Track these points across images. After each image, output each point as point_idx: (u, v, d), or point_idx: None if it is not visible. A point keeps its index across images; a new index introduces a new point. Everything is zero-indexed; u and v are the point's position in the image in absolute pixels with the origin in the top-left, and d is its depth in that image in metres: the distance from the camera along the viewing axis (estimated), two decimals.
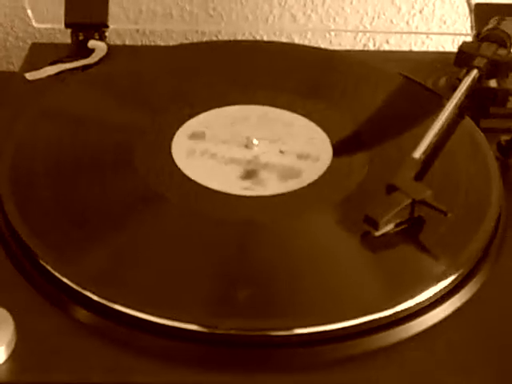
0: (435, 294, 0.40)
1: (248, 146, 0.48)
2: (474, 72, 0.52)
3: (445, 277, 0.41)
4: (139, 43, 0.76)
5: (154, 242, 0.42)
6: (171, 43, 0.75)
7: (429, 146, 0.47)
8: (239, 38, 0.74)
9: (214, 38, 0.74)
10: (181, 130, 0.50)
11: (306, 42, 0.75)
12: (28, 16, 0.63)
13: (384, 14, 0.74)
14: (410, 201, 0.42)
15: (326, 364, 0.37)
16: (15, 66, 0.77)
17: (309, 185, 0.45)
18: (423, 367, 0.38)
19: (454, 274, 0.41)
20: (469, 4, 0.62)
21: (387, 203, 0.42)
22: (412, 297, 0.39)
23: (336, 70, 0.56)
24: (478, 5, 0.61)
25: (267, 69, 0.56)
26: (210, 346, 0.37)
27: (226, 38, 0.74)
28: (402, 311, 0.39)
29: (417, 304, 0.39)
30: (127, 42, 0.75)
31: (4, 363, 0.36)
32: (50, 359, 0.36)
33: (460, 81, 0.52)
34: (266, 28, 0.74)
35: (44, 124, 0.50)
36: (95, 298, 0.38)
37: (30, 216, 0.43)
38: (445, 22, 0.75)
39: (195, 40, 0.74)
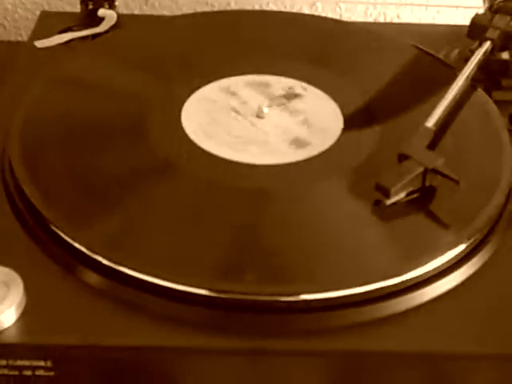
0: (445, 262, 0.40)
1: (258, 114, 0.48)
2: (487, 44, 0.52)
3: (455, 246, 0.40)
4: (147, 13, 0.75)
5: (164, 208, 0.42)
6: (178, 13, 0.74)
7: (441, 117, 0.46)
8: (249, 9, 0.74)
9: (221, 8, 0.74)
10: (191, 98, 0.49)
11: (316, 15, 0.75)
12: None
13: None
14: (422, 169, 0.42)
15: (335, 330, 0.37)
16: (24, 37, 0.76)
17: (320, 154, 0.45)
18: (433, 335, 0.38)
19: (464, 243, 0.41)
20: None
21: (399, 171, 0.42)
22: (422, 265, 0.39)
23: (349, 41, 0.55)
24: None
25: (277, 39, 0.55)
26: (217, 309, 0.37)
27: (234, 6, 0.73)
28: (412, 279, 0.39)
29: (426, 272, 0.39)
30: (135, 12, 0.75)
31: (14, 324, 0.36)
32: (60, 321, 0.37)
33: (472, 52, 0.52)
34: (275, 0, 0.73)
35: (54, 91, 0.49)
36: (105, 261, 0.38)
37: (40, 181, 0.43)
38: None
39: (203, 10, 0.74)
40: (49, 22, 0.59)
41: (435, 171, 0.42)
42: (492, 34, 0.52)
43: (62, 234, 0.40)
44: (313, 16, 0.64)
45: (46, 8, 0.74)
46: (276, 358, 0.37)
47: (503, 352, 0.37)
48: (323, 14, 0.74)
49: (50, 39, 0.57)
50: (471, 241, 0.41)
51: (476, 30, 0.53)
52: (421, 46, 0.55)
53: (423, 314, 0.38)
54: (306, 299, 0.38)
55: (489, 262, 0.41)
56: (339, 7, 0.74)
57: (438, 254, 0.40)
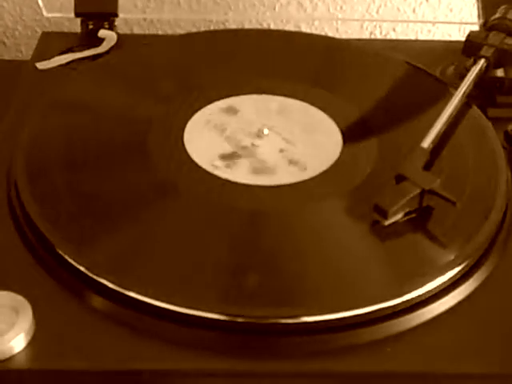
0: (443, 282, 0.41)
1: (258, 135, 0.49)
2: (482, 61, 0.53)
3: (453, 266, 0.41)
4: (146, 31, 0.76)
5: (166, 230, 0.43)
6: (178, 31, 0.75)
7: (437, 136, 0.47)
8: (246, 26, 0.75)
9: (222, 27, 0.75)
10: (193, 118, 0.50)
11: (313, 30, 0.76)
12: (37, 5, 0.63)
13: (390, 2, 0.75)
14: (419, 190, 0.43)
15: (334, 352, 0.38)
16: (24, 54, 0.77)
17: (319, 174, 0.46)
18: (432, 355, 0.38)
19: (462, 263, 0.42)
20: None
21: (396, 193, 0.43)
22: (420, 286, 0.40)
23: (344, 59, 0.56)
24: None
25: (274, 57, 0.56)
26: (219, 332, 0.38)
27: (233, 26, 0.74)
28: (410, 300, 0.40)
29: (425, 293, 0.40)
30: (135, 31, 0.76)
31: (23, 350, 0.37)
32: (68, 347, 0.37)
33: (468, 70, 0.53)
34: (273, 16, 0.74)
35: (57, 114, 0.50)
36: (111, 285, 0.39)
37: (45, 205, 0.43)
38: (451, 10, 0.76)
39: (203, 28, 0.74)
40: (50, 43, 0.60)
41: (432, 192, 0.43)
42: (486, 51, 0.53)
43: (67, 258, 0.41)
44: (307, 34, 0.64)
45: (46, 25, 0.75)
46: (276, 379, 0.38)
47: (504, 372, 0.38)
48: (320, 28, 0.75)
49: (51, 60, 0.57)
50: (469, 260, 0.42)
51: (471, 47, 0.54)
52: (417, 64, 0.56)
53: (423, 334, 0.39)
54: (305, 321, 0.38)
55: (487, 281, 0.42)
56: (336, 21, 0.75)
57: (437, 274, 0.41)
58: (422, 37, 0.76)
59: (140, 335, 0.38)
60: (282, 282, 0.40)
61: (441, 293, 0.41)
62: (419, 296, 0.40)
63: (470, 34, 0.55)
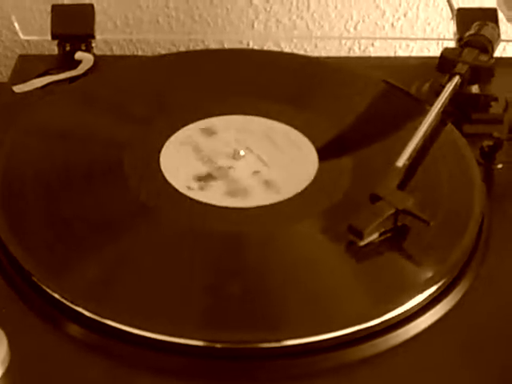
0: (421, 301, 0.41)
1: (235, 157, 0.49)
2: (456, 78, 0.53)
3: (430, 284, 0.41)
4: (126, 50, 0.76)
5: (143, 255, 0.43)
6: (158, 49, 0.75)
7: (412, 153, 0.47)
8: (225, 43, 0.75)
9: (201, 44, 0.75)
10: (170, 140, 0.50)
11: (292, 47, 0.76)
12: (15, 27, 0.64)
13: (368, 18, 0.75)
14: (393, 210, 0.43)
15: (316, 374, 0.38)
16: (3, 74, 0.77)
17: (295, 195, 0.46)
18: (412, 374, 0.38)
19: (439, 281, 0.42)
20: (451, 9, 0.62)
21: (371, 213, 0.43)
22: (399, 305, 0.40)
23: (320, 78, 0.57)
24: (460, 9, 0.62)
25: (251, 77, 0.56)
26: (200, 359, 0.38)
27: (212, 44, 0.75)
28: (389, 320, 0.40)
29: (403, 312, 0.40)
30: (114, 49, 0.76)
31: None
32: (44, 376, 0.37)
33: (443, 87, 0.53)
34: (252, 34, 0.75)
35: (32, 139, 0.50)
36: (87, 313, 0.39)
37: (20, 232, 0.43)
38: (429, 24, 0.76)
39: (182, 46, 0.75)
40: (27, 65, 0.60)
41: (406, 212, 0.43)
42: (461, 68, 0.53)
43: (42, 286, 0.41)
44: (284, 53, 0.65)
45: (25, 45, 0.75)
46: None
47: None
48: (299, 44, 0.76)
49: (28, 83, 0.57)
50: (447, 277, 0.42)
51: (445, 64, 0.54)
52: (392, 81, 0.56)
53: (403, 354, 0.39)
54: (286, 345, 0.38)
55: (466, 297, 0.42)
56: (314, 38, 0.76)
57: (416, 293, 0.41)
58: (400, 51, 0.77)
59: (118, 363, 0.38)
60: (260, 305, 0.40)
61: (419, 312, 0.41)
62: (399, 315, 0.40)
63: (444, 51, 0.55)
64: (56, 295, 0.40)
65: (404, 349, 0.39)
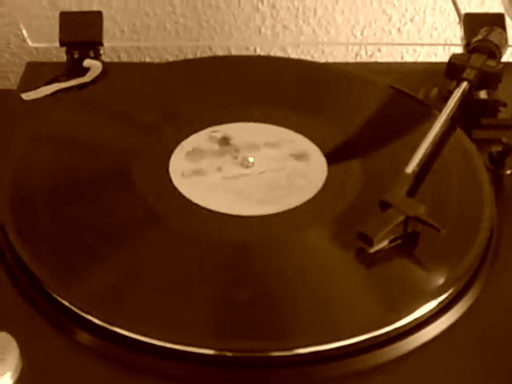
0: (432, 308, 0.41)
1: (244, 164, 0.49)
2: (464, 84, 0.53)
3: (441, 291, 0.41)
4: (133, 57, 0.77)
5: (154, 263, 0.43)
6: (165, 56, 0.76)
7: (421, 159, 0.47)
8: (232, 49, 0.75)
9: (208, 51, 0.75)
10: (179, 147, 0.50)
11: (299, 52, 0.76)
12: (23, 34, 0.64)
13: (375, 23, 0.75)
14: (403, 217, 0.43)
15: (326, 382, 0.38)
16: (11, 81, 0.78)
17: (305, 202, 0.46)
18: (422, 382, 0.38)
19: (450, 288, 0.42)
20: (458, 14, 0.62)
21: (381, 220, 0.43)
22: (409, 313, 0.40)
23: (327, 83, 0.57)
24: (467, 15, 0.62)
25: (258, 84, 0.56)
26: (210, 367, 0.38)
27: (219, 50, 0.75)
28: (399, 327, 0.40)
29: (414, 320, 0.40)
30: (121, 56, 0.76)
31: None
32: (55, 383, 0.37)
33: (451, 92, 0.53)
34: (258, 40, 0.75)
35: (41, 146, 0.50)
36: (97, 321, 0.39)
37: (30, 239, 0.43)
38: (436, 29, 0.76)
39: (189, 53, 0.75)
40: (35, 73, 0.60)
41: (416, 219, 0.43)
42: (469, 74, 0.53)
43: (53, 294, 0.41)
44: (291, 60, 0.64)
45: (34, 52, 0.76)
46: None
47: None
48: (305, 50, 0.76)
49: (37, 91, 0.58)
50: (458, 284, 0.42)
51: (453, 70, 0.54)
52: (400, 87, 0.56)
53: (414, 360, 0.39)
54: (297, 353, 0.38)
55: (476, 303, 0.42)
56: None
57: (426, 300, 0.41)
58: (407, 56, 0.77)
59: (128, 371, 0.38)
60: (271, 313, 0.40)
61: (430, 319, 0.41)
62: (409, 323, 0.40)
63: (452, 57, 0.55)
64: (66, 303, 0.40)
65: (414, 356, 0.39)
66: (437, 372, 0.39)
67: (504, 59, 0.57)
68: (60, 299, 0.40)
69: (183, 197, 0.46)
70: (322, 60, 0.75)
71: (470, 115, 0.54)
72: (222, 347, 0.38)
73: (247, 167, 0.49)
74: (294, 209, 0.46)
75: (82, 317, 0.40)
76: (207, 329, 0.39)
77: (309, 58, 0.75)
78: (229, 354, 0.38)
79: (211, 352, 0.38)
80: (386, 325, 0.39)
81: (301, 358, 0.38)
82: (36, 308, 0.41)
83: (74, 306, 0.40)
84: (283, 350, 0.38)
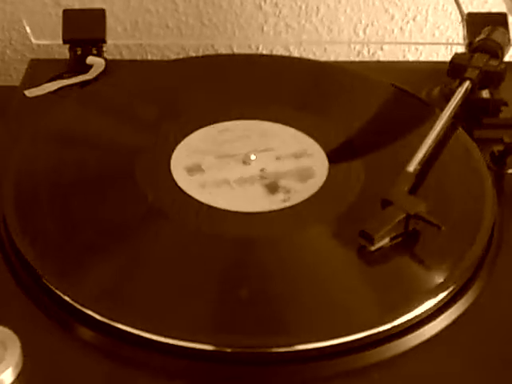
0: (432, 306, 0.41)
1: (246, 161, 0.49)
2: (467, 83, 0.53)
3: (441, 289, 0.41)
4: (136, 54, 0.77)
5: (155, 259, 0.43)
6: (167, 54, 0.76)
7: (423, 158, 0.48)
8: (235, 48, 0.75)
9: (210, 49, 0.75)
10: (181, 144, 0.50)
11: (301, 50, 0.76)
12: (26, 31, 0.64)
13: (377, 22, 0.75)
14: (404, 215, 0.43)
15: (327, 379, 0.38)
16: (13, 78, 0.78)
17: (306, 199, 0.46)
18: (422, 379, 0.38)
19: (450, 286, 0.42)
20: (461, 13, 0.62)
21: (382, 218, 0.43)
22: (410, 311, 0.40)
23: (329, 82, 0.57)
24: (469, 14, 0.62)
25: (260, 82, 0.56)
26: (211, 363, 0.38)
27: (221, 48, 0.75)
28: (400, 325, 0.40)
29: (414, 317, 0.40)
30: (124, 53, 0.76)
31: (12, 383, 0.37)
32: (57, 379, 0.37)
33: (453, 92, 0.53)
34: (261, 38, 0.75)
35: (44, 143, 0.50)
36: (98, 317, 0.39)
37: (33, 236, 0.44)
38: (438, 28, 0.76)
39: (191, 51, 0.75)
40: (38, 70, 0.60)
41: (417, 217, 0.43)
42: (471, 73, 0.53)
43: (54, 289, 0.41)
44: (293, 58, 0.65)
45: (36, 49, 0.76)
46: None
47: None
48: (308, 48, 0.76)
49: (40, 88, 0.58)
50: (458, 283, 0.42)
51: (456, 69, 0.55)
52: (402, 86, 0.56)
53: (414, 358, 0.39)
54: (297, 350, 0.38)
55: (477, 302, 0.42)
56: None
57: (427, 298, 0.41)
58: (409, 55, 0.77)
59: (129, 367, 0.38)
60: (271, 310, 0.40)
61: (430, 317, 0.41)
62: (410, 320, 0.40)
63: (455, 57, 0.55)
64: (67, 298, 0.40)
65: (414, 354, 0.40)
66: (436, 370, 0.39)
67: (506, 59, 0.57)
68: (61, 295, 0.40)
69: (185, 193, 0.47)
70: (324, 58, 0.75)
71: (472, 114, 0.54)
72: (222, 343, 0.38)
73: (249, 164, 0.49)
74: (295, 206, 0.46)
75: (83, 312, 0.40)
76: (207, 325, 0.39)
77: (311, 57, 0.75)
78: (228, 349, 0.38)
79: (212, 348, 0.38)
80: (386, 322, 0.40)
81: (300, 354, 0.38)
82: (37, 304, 0.41)
83: (76, 301, 0.40)
84: (283, 346, 0.38)
